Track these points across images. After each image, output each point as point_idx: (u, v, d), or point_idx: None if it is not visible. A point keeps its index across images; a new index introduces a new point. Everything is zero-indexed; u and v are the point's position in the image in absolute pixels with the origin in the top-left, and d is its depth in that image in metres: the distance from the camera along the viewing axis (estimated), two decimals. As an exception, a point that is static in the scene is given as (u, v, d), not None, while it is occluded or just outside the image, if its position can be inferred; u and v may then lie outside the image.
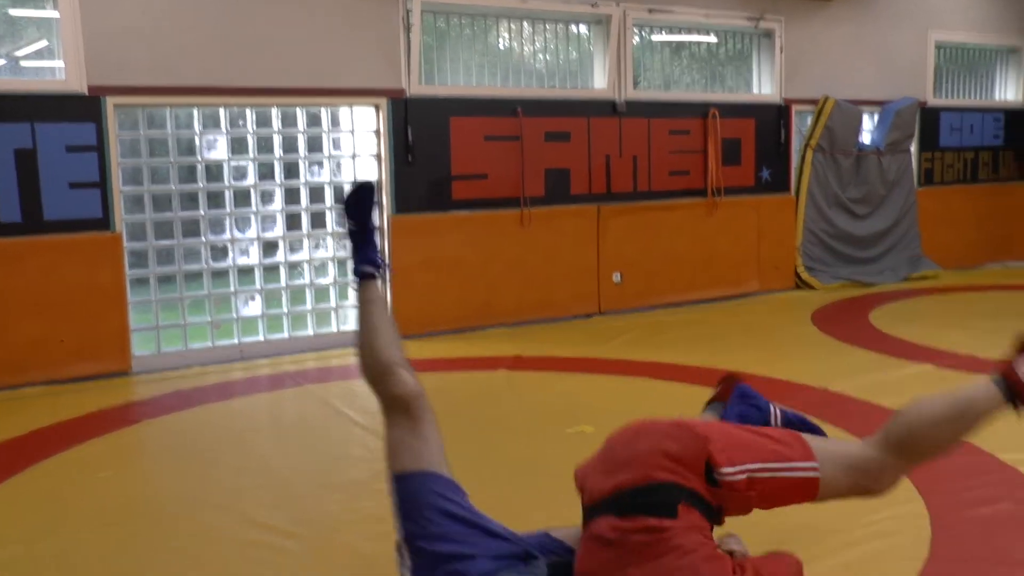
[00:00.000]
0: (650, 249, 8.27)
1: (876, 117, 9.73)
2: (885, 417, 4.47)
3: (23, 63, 5.97)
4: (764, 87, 9.03)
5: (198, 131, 6.33)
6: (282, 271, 6.71)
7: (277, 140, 6.60)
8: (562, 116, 7.72)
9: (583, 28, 8.03)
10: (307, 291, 6.81)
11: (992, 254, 10.82)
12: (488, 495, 3.16)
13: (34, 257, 5.73)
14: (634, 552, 2.11)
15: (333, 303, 6.93)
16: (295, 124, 6.68)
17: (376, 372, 2.62)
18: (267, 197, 6.64)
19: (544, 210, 7.66)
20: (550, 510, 3.37)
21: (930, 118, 10.19)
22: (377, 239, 2.95)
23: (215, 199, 6.45)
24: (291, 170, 6.71)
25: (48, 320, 5.76)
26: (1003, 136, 10.80)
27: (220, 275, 6.49)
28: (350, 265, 2.89)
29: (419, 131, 7.02)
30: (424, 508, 2.33)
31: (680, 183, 8.46)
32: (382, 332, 2.68)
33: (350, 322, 6.97)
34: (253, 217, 6.56)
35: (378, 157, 7.01)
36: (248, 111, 6.48)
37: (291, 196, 6.72)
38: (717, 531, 2.31)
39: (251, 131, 6.51)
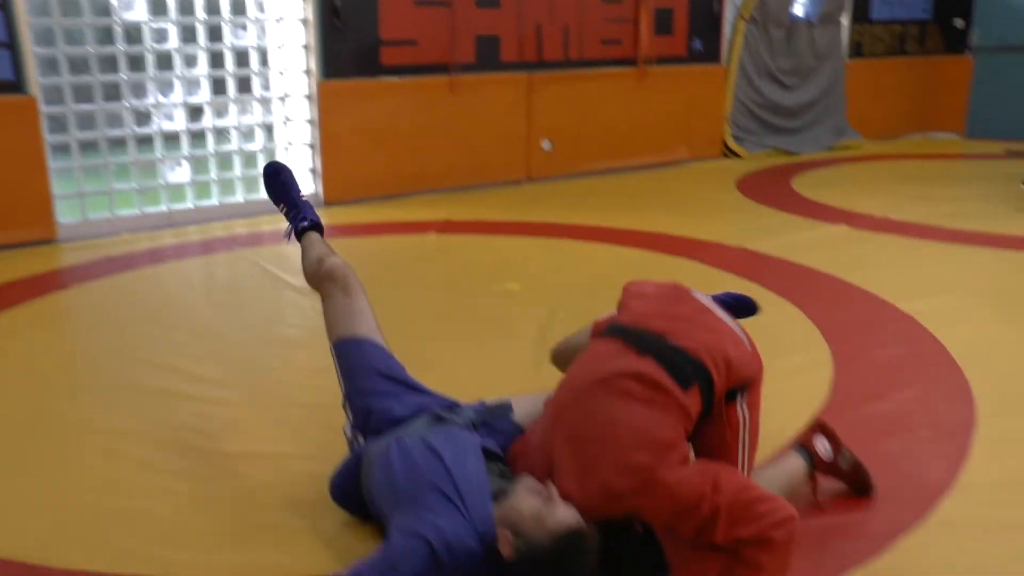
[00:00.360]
0: (580, 117, 8.31)
1: (809, -11, 9.77)
2: (801, 275, 4.78)
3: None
4: (697, -45, 8.96)
5: (113, -10, 6.10)
6: (209, 137, 6.60)
7: (200, 1, 6.40)
8: (492, -19, 7.60)
9: None
10: (235, 157, 6.74)
11: (915, 125, 11.09)
12: (422, 350, 3.32)
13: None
14: (618, 392, 2.13)
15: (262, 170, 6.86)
16: (217, -16, 6.48)
17: (312, 269, 2.81)
18: (191, 61, 6.47)
19: (474, 77, 7.61)
20: (480, 363, 3.52)
21: (861, -9, 10.28)
22: (302, 199, 3.10)
23: (136, 63, 6.27)
24: (215, 33, 6.53)
25: (-37, 185, 5.63)
26: (931, 10, 10.94)
27: (145, 141, 6.37)
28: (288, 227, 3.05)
29: (347, -6, 6.88)
30: (359, 369, 2.58)
31: (611, 52, 8.45)
32: (318, 246, 2.87)
33: (280, 189, 6.93)
34: (177, 81, 6.41)
35: (304, 21, 6.85)
36: (167, -31, 6.25)
37: (216, 60, 6.56)
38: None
39: (171, -9, 6.29)
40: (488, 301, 4.55)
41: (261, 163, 6.84)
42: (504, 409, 2.54)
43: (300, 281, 4.84)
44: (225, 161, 6.71)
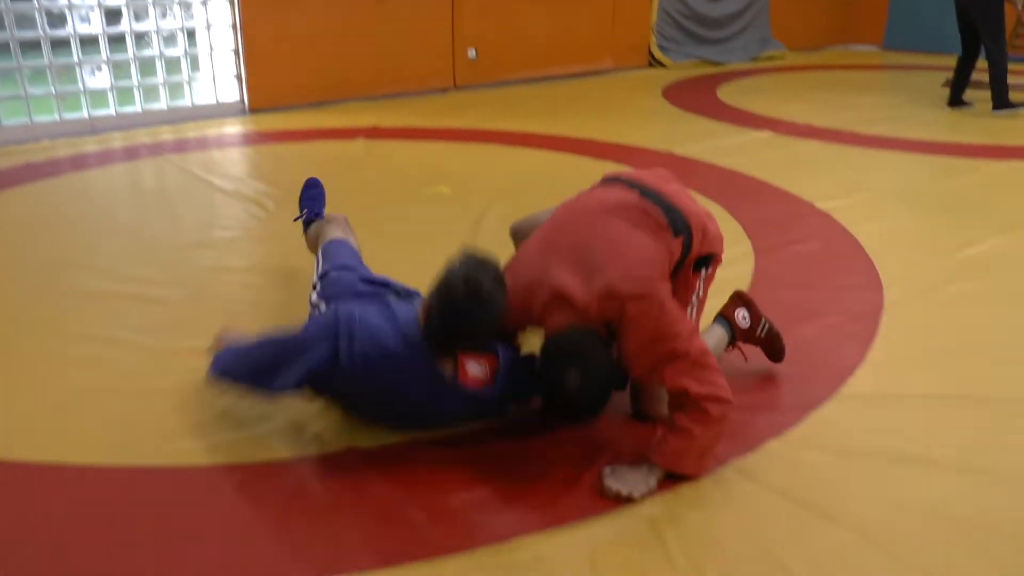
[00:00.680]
0: (505, 26, 8.28)
1: None
2: (725, 177, 4.95)
3: None
4: None
5: None
6: (129, 41, 6.42)
7: None
8: None
9: None
10: (157, 62, 6.58)
11: (836, 38, 11.32)
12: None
13: None
14: (626, 218, 2.35)
15: (186, 76, 6.72)
16: None
17: (312, 231, 3.31)
18: (105, -40, 6.25)
19: (399, -18, 7.51)
20: (417, 261, 3.59)
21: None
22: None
23: (47, -39, 6.03)
24: (129, -69, 6.31)
25: None
26: (850, -80, 11.07)
27: (61, 44, 6.17)
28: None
29: None
30: (339, 254, 2.89)
31: (537, -42, 8.40)
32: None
33: (204, 96, 6.82)
34: (92, -19, 6.20)
35: (223, -81, 6.65)
36: None
37: (132, -40, 6.35)
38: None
39: None
40: (419, 204, 4.62)
41: (184, 68, 6.70)
42: None
43: (230, 185, 4.90)
44: (147, 67, 6.55)
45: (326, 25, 7.17)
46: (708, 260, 2.48)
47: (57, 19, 6.13)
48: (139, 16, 6.46)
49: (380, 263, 2.99)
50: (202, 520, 2.11)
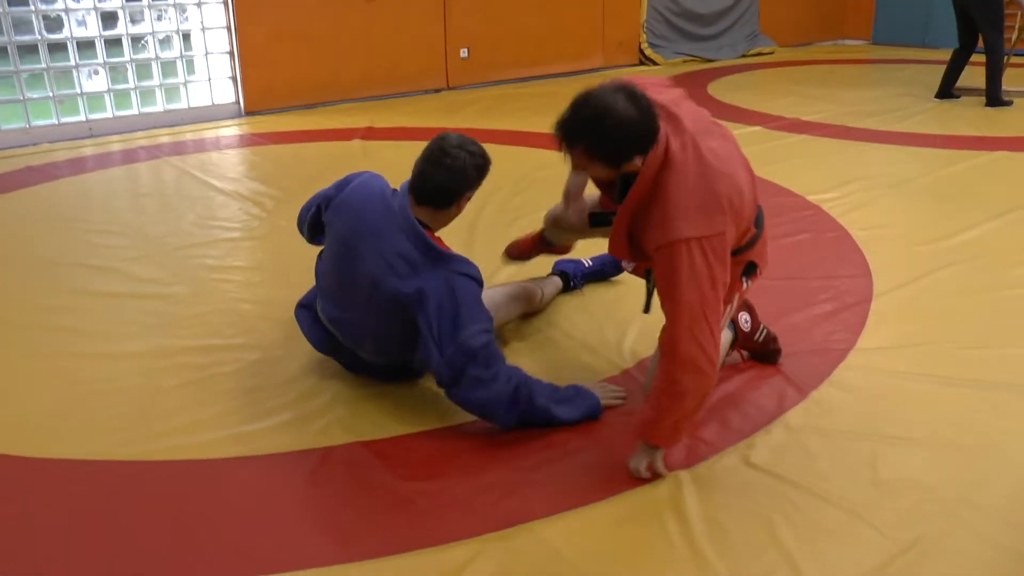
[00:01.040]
0: (497, 25, 8.34)
1: None
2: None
3: None
4: None
5: None
6: (125, 44, 6.47)
7: (106, -99, 6.21)
8: None
9: None
10: (154, 65, 6.63)
11: (825, 33, 11.40)
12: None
13: None
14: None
15: (182, 78, 6.78)
16: None
17: None
18: (100, -36, 6.30)
19: (391, -17, 7.58)
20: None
21: None
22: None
23: (43, -34, 6.08)
24: (124, -65, 6.37)
25: None
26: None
27: (58, 48, 6.22)
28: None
29: None
30: None
31: (527, -42, 8.47)
32: None
33: (200, 98, 6.87)
34: (87, -14, 6.25)
35: (216, -77, 6.71)
36: None
37: (126, -37, 6.41)
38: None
39: None
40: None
41: (180, 71, 6.76)
42: None
43: (229, 186, 4.95)
44: (144, 69, 6.60)
45: (320, 27, 7.23)
46: (753, 268, 2.47)
47: (54, 23, 6.18)
48: (135, 19, 6.51)
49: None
50: (211, 512, 2.18)
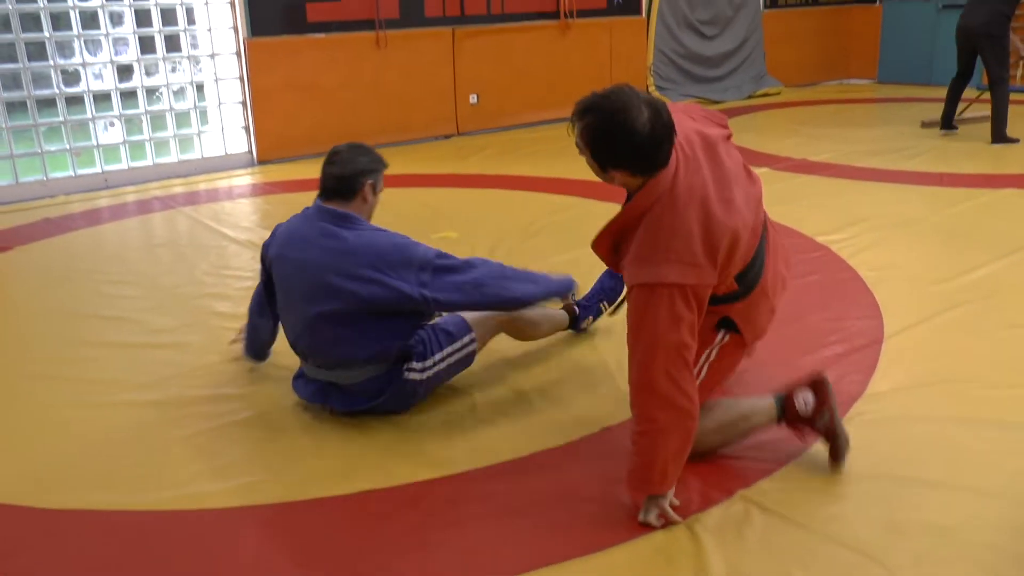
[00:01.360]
0: (505, 70, 8.46)
1: (722, -62, 10.00)
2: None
3: None
4: (615, -95, 9.12)
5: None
6: (140, 96, 6.59)
7: (122, -42, 6.36)
8: (414, -65, 7.67)
9: None
10: (168, 116, 6.74)
11: (831, 73, 11.50)
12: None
13: None
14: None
15: (195, 128, 6.89)
16: (139, -59, 6.43)
17: None
18: (116, 19, 6.43)
19: (400, 32, 7.70)
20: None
21: (773, -60, 10.57)
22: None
23: (60, 21, 6.21)
24: (139, -10, 6.51)
25: None
26: (840, -41, 11.33)
27: (75, 101, 6.33)
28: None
29: (270, -51, 6.89)
30: None
31: (533, 5, 8.59)
32: None
33: (213, 148, 6.97)
34: (104, 40, 6.37)
35: (229, -23, 6.86)
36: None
37: (142, 18, 6.53)
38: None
39: (92, -52, 6.23)
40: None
41: (194, 121, 6.87)
42: None
43: (242, 235, 5.00)
44: (158, 121, 6.71)
45: (331, 76, 7.34)
46: (729, 324, 2.44)
47: (72, 77, 6.30)
48: (150, 72, 6.63)
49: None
50: (222, 563, 2.19)
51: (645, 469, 2.20)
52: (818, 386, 2.49)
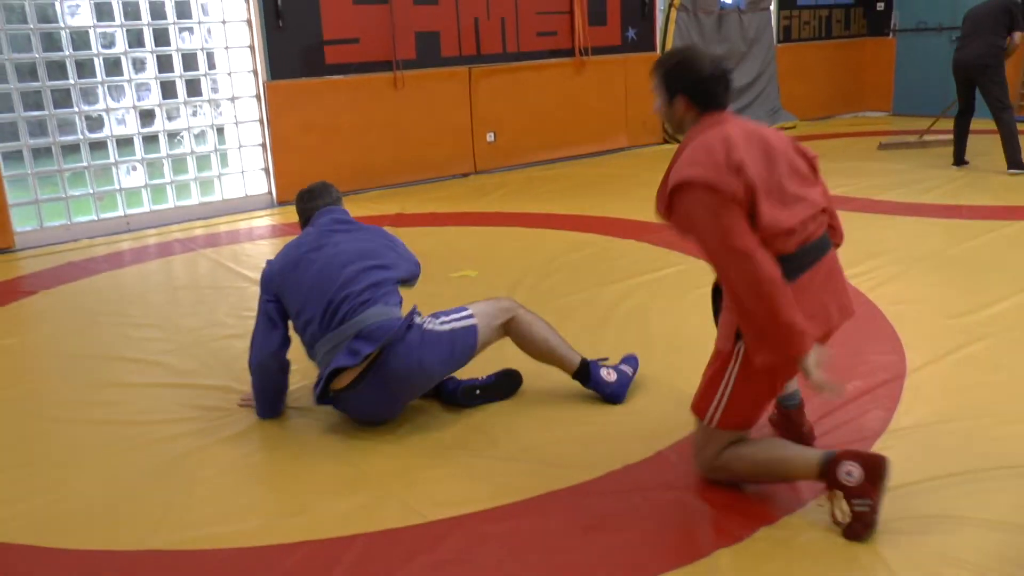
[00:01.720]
0: (521, 109, 8.54)
1: (735, -25, 10.11)
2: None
3: None
4: (628, -55, 9.23)
5: (58, -3, 6.15)
6: (162, 140, 6.69)
7: (144, 6, 6.48)
8: (430, -23, 7.79)
9: None
10: (189, 159, 6.84)
11: (846, 106, 11.54)
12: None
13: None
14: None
15: (216, 171, 6.98)
16: (161, -11, 6.57)
17: None
18: (139, 65, 6.55)
19: (416, 73, 7.80)
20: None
21: (787, -23, 10.67)
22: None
23: (84, 68, 6.33)
24: (161, 37, 6.62)
25: (-79, 198, 5.67)
26: (854, -6, 11.42)
27: (98, 146, 6.44)
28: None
29: (288, -5, 7.02)
30: None
31: (548, 43, 8.69)
32: None
33: (233, 190, 7.05)
34: (127, 86, 6.49)
35: (248, 23, 6.97)
36: (111, -24, 6.33)
37: (164, 64, 6.65)
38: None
39: (116, -3, 6.37)
40: (448, 287, 4.74)
41: (215, 164, 6.96)
42: None
43: (264, 276, 5.03)
44: (179, 164, 6.81)
45: (349, 117, 7.43)
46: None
47: (95, 122, 6.40)
48: (171, 116, 6.73)
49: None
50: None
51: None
52: (873, 468, 2.30)
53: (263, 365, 3.18)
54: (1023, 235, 5.22)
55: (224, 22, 6.88)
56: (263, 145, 7.15)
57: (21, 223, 6.13)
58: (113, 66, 6.43)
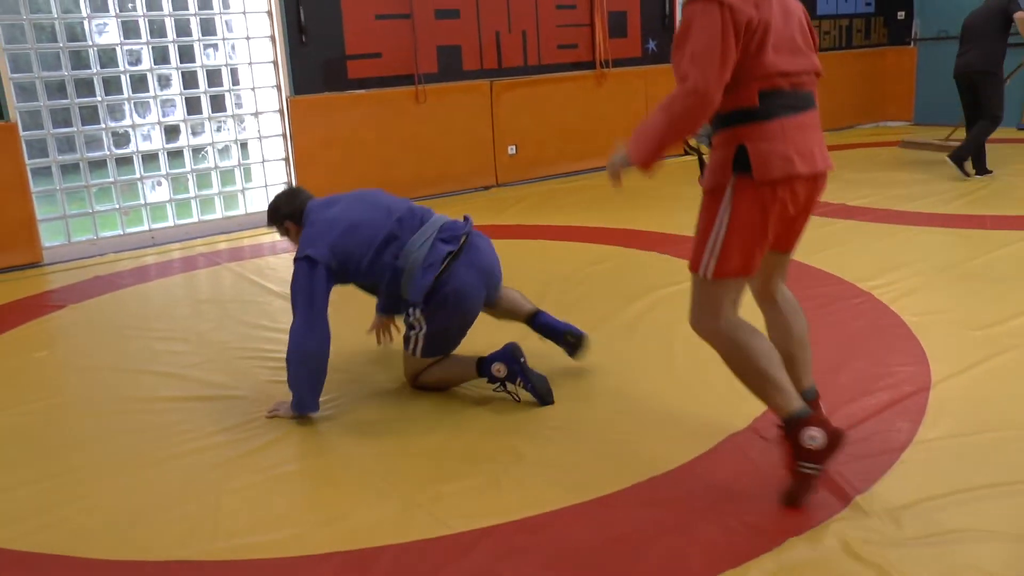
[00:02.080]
0: (543, 121, 8.57)
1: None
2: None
3: None
4: (647, -42, 9.26)
5: (85, 14, 6.23)
6: (186, 155, 6.77)
7: (169, 23, 6.57)
8: (451, -8, 7.85)
9: (468, -99, 8.07)
10: (213, 174, 6.91)
11: (867, 115, 11.51)
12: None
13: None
14: None
15: (239, 185, 7.05)
16: (186, 7, 6.65)
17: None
18: (164, 81, 6.64)
19: (438, 87, 7.85)
20: (476, 350, 3.72)
21: (804, -14, 10.65)
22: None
23: (111, 85, 6.42)
24: (186, 54, 6.71)
25: (-49, 213, 5.76)
26: (874, 3, 11.37)
27: (124, 162, 6.53)
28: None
29: (311, 11, 7.08)
30: None
31: (569, 56, 8.73)
32: None
33: (257, 204, 7.12)
34: (152, 102, 6.57)
35: (272, 39, 7.05)
36: (137, -6, 6.43)
37: (189, 80, 6.74)
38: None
39: (142, 14, 6.45)
40: (471, 299, 4.76)
41: (239, 178, 7.03)
42: None
43: (285, 289, 5.07)
44: (204, 179, 6.88)
45: (371, 131, 7.49)
46: (742, 162, 2.49)
47: (122, 138, 6.49)
48: (196, 131, 6.81)
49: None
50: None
51: (644, 131, 2.53)
52: (834, 439, 2.42)
53: (311, 352, 3.25)
54: (1048, 245, 5.19)
55: (248, 38, 6.96)
56: (286, 159, 7.22)
57: (49, 238, 6.22)
58: (139, 82, 6.52)
